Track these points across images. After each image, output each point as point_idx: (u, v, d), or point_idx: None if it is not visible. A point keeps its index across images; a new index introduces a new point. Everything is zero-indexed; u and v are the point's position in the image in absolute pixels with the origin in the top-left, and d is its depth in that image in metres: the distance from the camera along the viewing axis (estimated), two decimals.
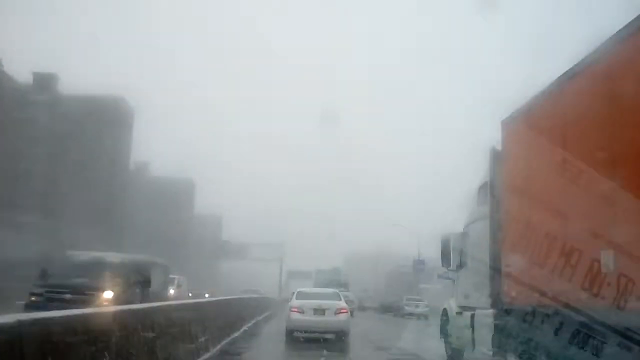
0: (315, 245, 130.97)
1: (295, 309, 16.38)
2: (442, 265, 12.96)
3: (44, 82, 61.90)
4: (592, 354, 6.25)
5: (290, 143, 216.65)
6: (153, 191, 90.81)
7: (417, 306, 41.70)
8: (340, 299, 17.44)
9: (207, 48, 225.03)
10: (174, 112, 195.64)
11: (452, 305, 12.64)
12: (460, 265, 12.12)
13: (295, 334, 16.27)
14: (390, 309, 47.73)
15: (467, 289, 11.58)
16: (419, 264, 57.20)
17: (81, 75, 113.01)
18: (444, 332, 13.12)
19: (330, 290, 20.17)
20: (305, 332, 16.29)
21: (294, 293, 18.58)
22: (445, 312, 13.14)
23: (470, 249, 11.44)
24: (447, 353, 12.87)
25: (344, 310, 16.58)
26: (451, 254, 12.50)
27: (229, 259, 72.06)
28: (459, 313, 11.91)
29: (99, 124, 60.43)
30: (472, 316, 10.71)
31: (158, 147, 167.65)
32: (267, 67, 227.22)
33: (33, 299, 14.55)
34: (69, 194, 56.58)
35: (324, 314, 16.16)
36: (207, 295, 39.05)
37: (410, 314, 39.97)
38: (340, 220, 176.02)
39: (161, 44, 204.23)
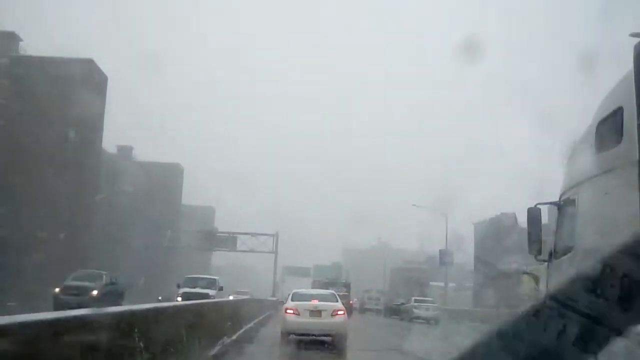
0: (312, 238, 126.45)
1: (291, 311, 16.25)
2: (531, 254, 9.20)
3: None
4: None
5: (286, 128, 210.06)
6: (136, 177, 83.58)
7: (427, 309, 38.62)
8: (337, 301, 17.23)
9: (201, 23, 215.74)
10: (155, 93, 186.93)
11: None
12: (558, 252, 8.29)
13: (291, 336, 16.06)
14: (398, 312, 44.44)
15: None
16: (445, 256, 48.11)
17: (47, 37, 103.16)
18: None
19: (326, 291, 20.37)
20: (301, 334, 16.08)
21: (289, 294, 18.51)
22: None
23: (580, 224, 7.53)
24: None
25: (341, 312, 16.44)
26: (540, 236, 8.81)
27: (216, 250, 62.28)
28: None
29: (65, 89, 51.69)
30: None
31: (140, 129, 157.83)
32: (264, 45, 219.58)
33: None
34: (29, 179, 48.11)
35: (320, 316, 16.04)
36: (159, 298, 33.86)
37: (419, 318, 37.24)
38: (340, 211, 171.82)
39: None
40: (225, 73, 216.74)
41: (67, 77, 52.61)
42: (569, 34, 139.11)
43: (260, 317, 28.66)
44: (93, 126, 56.55)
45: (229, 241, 56.57)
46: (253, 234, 55.63)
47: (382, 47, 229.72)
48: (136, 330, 6.80)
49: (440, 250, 48.77)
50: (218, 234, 59.63)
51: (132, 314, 7.28)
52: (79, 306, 19.46)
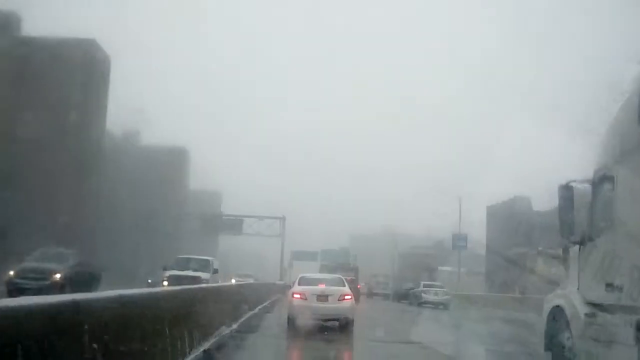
0: (320, 223, 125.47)
1: (297, 295, 16.21)
2: (562, 236, 8.54)
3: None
4: None
5: (295, 113, 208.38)
6: (141, 161, 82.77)
7: (436, 294, 38.45)
8: (345, 285, 17.06)
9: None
10: (161, 73, 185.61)
11: (576, 302, 8.23)
12: (593, 233, 7.81)
13: (298, 321, 15.74)
14: (406, 297, 44.26)
15: (611, 274, 6.92)
16: (458, 240, 46.68)
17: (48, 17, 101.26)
18: (555, 344, 8.69)
19: (334, 275, 20.05)
20: (308, 319, 15.68)
21: (296, 279, 18.49)
22: (557, 313, 8.83)
23: (621, 202, 7.13)
24: None
25: (348, 297, 16.33)
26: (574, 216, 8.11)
27: (221, 234, 60.76)
28: (591, 316, 7.61)
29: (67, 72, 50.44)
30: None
31: (146, 113, 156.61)
32: (273, 27, 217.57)
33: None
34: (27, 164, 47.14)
35: (327, 300, 15.97)
36: (149, 282, 32.80)
37: (428, 303, 37.12)
38: (348, 194, 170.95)
39: None
40: (233, 55, 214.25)
41: (68, 58, 51.36)
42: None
43: (267, 302, 27.48)
44: (96, 108, 55.37)
45: (234, 225, 55.20)
46: (260, 217, 54.25)
47: (394, 32, 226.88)
48: (86, 327, 5.00)
49: (453, 234, 47.22)
50: (224, 217, 58.18)
51: (76, 305, 5.03)
52: (39, 292, 17.40)
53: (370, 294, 57.70)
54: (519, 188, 52.48)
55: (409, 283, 51.19)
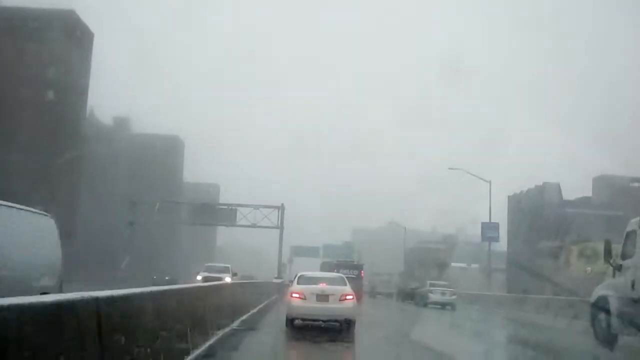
0: (321, 216, 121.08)
1: (296, 295, 15.36)
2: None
3: None
4: None
5: (296, 105, 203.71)
6: (132, 150, 78.93)
7: (443, 293, 36.61)
8: (346, 284, 16.20)
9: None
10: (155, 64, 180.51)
11: (625, 290, 11.62)
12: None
13: (297, 322, 15.29)
14: (412, 297, 42.44)
15: None
16: (489, 230, 41.06)
17: None
18: (602, 328, 12.57)
19: (334, 274, 19.73)
20: (307, 320, 15.35)
21: (295, 277, 17.62)
22: (601, 303, 12.58)
23: None
24: None
25: (350, 297, 15.39)
26: None
27: (212, 224, 54.41)
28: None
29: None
30: None
31: (138, 100, 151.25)
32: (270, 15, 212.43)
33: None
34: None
35: (327, 300, 15.14)
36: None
37: (435, 303, 35.60)
38: (351, 187, 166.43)
39: None
40: (230, 43, 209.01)
41: (44, 30, 46.33)
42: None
43: (260, 306, 22.36)
44: (76, 87, 50.06)
45: (228, 215, 49.71)
46: (255, 207, 48.78)
47: (414, 20, 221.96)
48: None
49: (483, 224, 41.72)
50: (217, 207, 52.61)
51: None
52: None
53: (373, 293, 55.60)
54: (533, 179, 48.08)
55: (414, 282, 49.69)
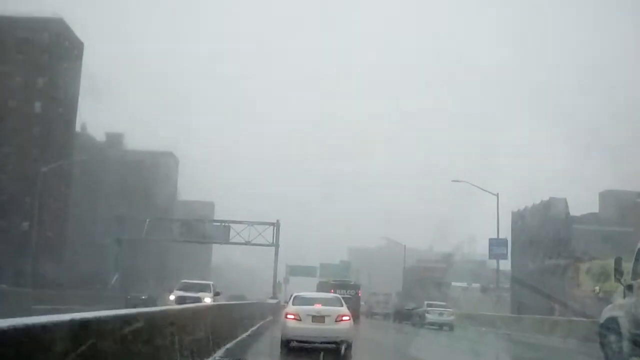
0: (317, 235, 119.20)
1: (291, 316, 14.93)
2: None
3: None
4: None
5: (290, 122, 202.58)
6: (125, 166, 77.85)
7: (440, 314, 35.93)
8: (342, 305, 15.79)
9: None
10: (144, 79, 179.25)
11: (637, 311, 11.39)
12: None
13: (292, 344, 14.90)
14: (409, 317, 41.76)
15: None
16: (498, 246, 39.13)
17: None
18: (613, 350, 12.16)
19: (330, 294, 19.74)
20: (303, 342, 14.97)
21: (290, 298, 17.37)
22: (611, 324, 12.42)
23: None
24: None
25: (346, 318, 15.09)
26: None
27: (204, 242, 51.89)
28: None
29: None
30: None
31: (132, 117, 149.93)
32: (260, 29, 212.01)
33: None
34: None
35: (323, 322, 14.84)
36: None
37: (432, 324, 34.85)
38: (348, 206, 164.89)
39: None
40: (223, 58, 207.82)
41: (32, 39, 44.86)
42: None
43: (252, 329, 20.44)
44: (65, 98, 48.43)
45: (221, 232, 47.64)
46: (250, 223, 46.76)
47: (396, 35, 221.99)
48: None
49: (490, 240, 39.73)
50: (210, 224, 50.42)
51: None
52: None
53: (370, 314, 55.49)
54: (537, 194, 46.58)
55: (411, 302, 48.88)
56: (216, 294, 26.82)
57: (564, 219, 39.75)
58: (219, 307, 15.96)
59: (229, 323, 15.78)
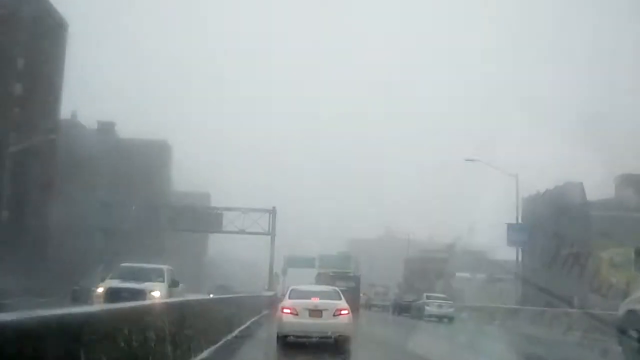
0: (316, 225, 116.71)
1: (287, 310, 14.63)
2: None
3: None
4: None
5: (288, 107, 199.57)
6: (116, 155, 75.80)
7: (440, 306, 36.06)
8: (341, 298, 15.55)
9: None
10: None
11: None
12: None
13: (289, 339, 14.66)
14: (407, 309, 41.89)
15: None
16: (516, 232, 36.54)
17: None
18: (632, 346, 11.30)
19: (329, 287, 18.57)
20: (299, 337, 14.72)
21: (286, 291, 17.23)
22: (631, 318, 11.54)
23: None
24: None
25: (345, 312, 14.77)
26: None
27: (196, 231, 48.18)
28: None
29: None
30: None
31: (124, 104, 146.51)
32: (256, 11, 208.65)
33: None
34: None
35: (321, 316, 14.50)
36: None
37: (431, 316, 34.93)
38: (347, 195, 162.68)
39: None
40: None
41: (11, 17, 41.94)
42: None
43: (239, 329, 17.29)
44: (47, 82, 45.57)
45: (213, 220, 44.69)
46: (244, 210, 43.93)
47: (396, 32, 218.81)
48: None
49: (509, 225, 36.86)
50: (201, 211, 47.36)
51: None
52: None
53: (368, 305, 55.51)
54: (547, 179, 44.11)
55: (411, 295, 49.11)
56: (173, 284, 19.35)
57: (581, 204, 37.37)
58: (179, 305, 10.68)
59: (206, 324, 12.00)
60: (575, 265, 35.05)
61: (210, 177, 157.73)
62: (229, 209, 45.17)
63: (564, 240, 36.21)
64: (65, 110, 71.73)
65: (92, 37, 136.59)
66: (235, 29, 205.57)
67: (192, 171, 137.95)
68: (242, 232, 43.99)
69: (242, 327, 18.22)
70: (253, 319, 22.41)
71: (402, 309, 44.75)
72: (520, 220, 41.86)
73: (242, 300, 22.94)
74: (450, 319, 34.47)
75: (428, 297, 37.88)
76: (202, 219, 45.63)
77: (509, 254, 45.12)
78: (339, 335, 14.50)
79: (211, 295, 27.72)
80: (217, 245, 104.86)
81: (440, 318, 34.42)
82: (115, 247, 45.04)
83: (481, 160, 34.96)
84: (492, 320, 32.97)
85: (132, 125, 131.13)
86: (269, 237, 44.23)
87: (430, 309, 35.74)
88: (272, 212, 44.15)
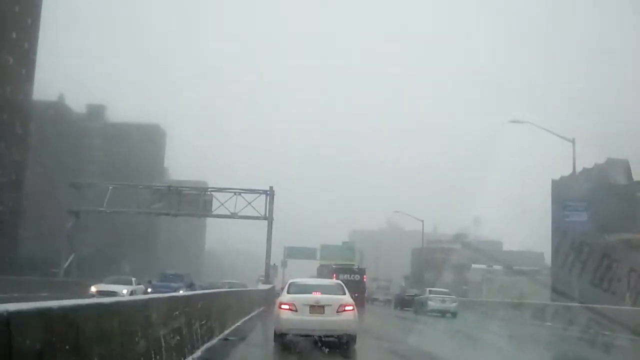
0: (317, 216, 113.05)
1: (286, 307, 13.48)
2: None
3: None
4: None
5: (290, 97, 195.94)
6: (107, 140, 73.66)
7: (442, 301, 35.87)
8: (345, 292, 14.34)
9: None
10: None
11: None
12: None
13: (288, 337, 13.55)
14: (410, 304, 41.55)
15: None
16: (574, 212, 32.71)
17: None
18: None
19: (331, 281, 18.76)
20: (300, 335, 13.55)
21: (285, 285, 15.66)
22: None
23: None
24: None
25: (350, 308, 13.59)
26: None
27: (181, 214, 43.12)
28: None
29: None
30: None
31: (115, 87, 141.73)
32: None
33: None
34: None
35: (323, 312, 13.42)
36: None
37: (434, 311, 34.85)
38: (350, 186, 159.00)
39: None
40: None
41: None
42: None
43: (229, 330, 14.03)
44: (18, 57, 40.40)
45: (201, 203, 39.24)
46: (237, 192, 38.63)
47: (404, 24, 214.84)
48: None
49: (565, 203, 32.22)
50: (187, 192, 41.94)
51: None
52: None
53: (370, 299, 53.97)
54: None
55: (414, 289, 49.33)
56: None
57: (626, 184, 32.89)
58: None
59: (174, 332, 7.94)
60: (621, 254, 30.53)
61: (207, 166, 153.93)
62: (219, 190, 40.23)
63: (605, 226, 31.59)
64: (53, 91, 68.06)
65: (82, 17, 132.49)
66: (232, 11, 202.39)
67: (188, 159, 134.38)
68: (234, 215, 38.88)
69: (234, 326, 15.30)
70: (248, 317, 18.66)
71: (404, 303, 44.56)
72: (551, 206, 37.57)
73: (228, 298, 17.41)
74: (454, 314, 34.34)
75: (431, 292, 37.76)
76: (187, 200, 40.40)
77: (524, 245, 41.50)
78: (343, 334, 13.44)
79: (149, 290, 23.59)
80: (216, 234, 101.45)
81: (443, 313, 34.56)
82: (96, 234, 40.89)
83: (531, 122, 30.30)
84: (511, 317, 30.60)
85: (124, 109, 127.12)
86: (266, 222, 39.30)
87: (433, 303, 35.66)
88: (270, 192, 38.97)
